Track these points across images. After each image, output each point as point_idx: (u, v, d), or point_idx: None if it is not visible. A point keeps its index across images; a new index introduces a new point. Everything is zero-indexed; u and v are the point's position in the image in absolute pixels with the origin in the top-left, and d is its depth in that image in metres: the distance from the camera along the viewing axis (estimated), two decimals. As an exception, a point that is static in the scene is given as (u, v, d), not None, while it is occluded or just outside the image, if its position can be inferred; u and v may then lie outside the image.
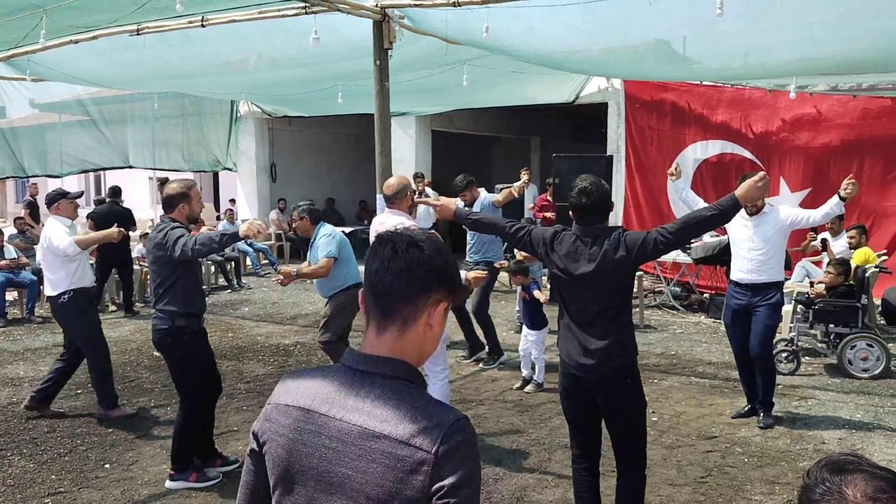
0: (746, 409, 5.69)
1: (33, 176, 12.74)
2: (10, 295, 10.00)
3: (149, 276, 4.72)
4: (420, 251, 1.49)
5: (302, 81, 11.03)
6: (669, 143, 11.04)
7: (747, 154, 10.58)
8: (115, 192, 10.66)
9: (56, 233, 5.58)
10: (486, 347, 7.43)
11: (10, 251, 9.82)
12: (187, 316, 4.46)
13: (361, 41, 8.00)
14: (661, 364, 7.36)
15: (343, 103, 11.49)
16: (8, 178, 12.34)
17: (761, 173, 3.54)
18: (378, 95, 7.89)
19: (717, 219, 3.41)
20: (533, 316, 6.58)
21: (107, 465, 4.83)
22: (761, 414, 5.56)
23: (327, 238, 5.84)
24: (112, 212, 9.81)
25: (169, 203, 4.54)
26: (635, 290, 9.53)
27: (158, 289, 4.44)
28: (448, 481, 1.35)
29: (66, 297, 5.58)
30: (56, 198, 5.84)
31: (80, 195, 6.20)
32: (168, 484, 4.49)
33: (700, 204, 5.41)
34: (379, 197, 6.70)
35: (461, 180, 7.50)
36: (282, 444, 1.49)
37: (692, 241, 9.29)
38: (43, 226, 6.74)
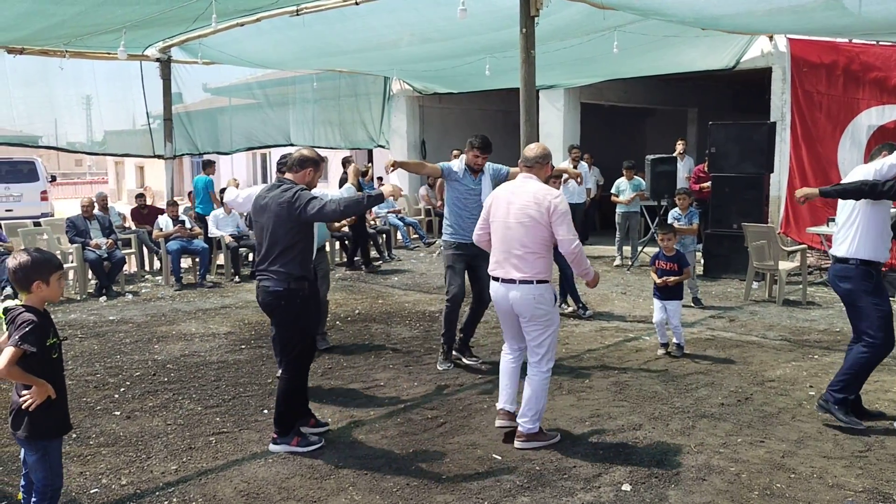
0: None
1: (205, 153, 13.83)
2: (185, 262, 10.90)
3: (259, 237, 4.45)
4: None
5: (451, 55, 11.18)
6: (840, 108, 10.20)
7: (931, 120, 9.59)
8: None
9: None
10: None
11: (187, 222, 10.68)
12: (302, 279, 4.40)
13: (508, 9, 7.98)
14: (824, 340, 6.88)
15: (491, 77, 11.53)
16: (184, 154, 13.49)
17: None
18: (524, 64, 7.85)
19: None
20: (670, 287, 6.38)
21: (265, 411, 5.17)
22: None
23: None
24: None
25: (300, 163, 4.48)
26: (798, 265, 8.96)
27: (273, 248, 4.36)
28: None
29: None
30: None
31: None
32: (271, 447, 4.48)
33: None
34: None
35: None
36: None
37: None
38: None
